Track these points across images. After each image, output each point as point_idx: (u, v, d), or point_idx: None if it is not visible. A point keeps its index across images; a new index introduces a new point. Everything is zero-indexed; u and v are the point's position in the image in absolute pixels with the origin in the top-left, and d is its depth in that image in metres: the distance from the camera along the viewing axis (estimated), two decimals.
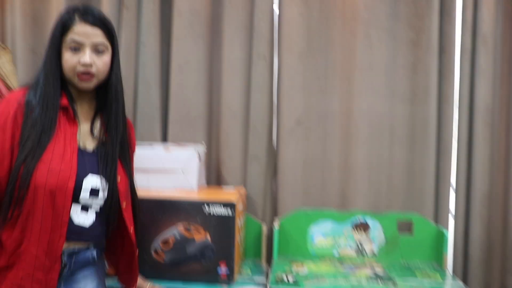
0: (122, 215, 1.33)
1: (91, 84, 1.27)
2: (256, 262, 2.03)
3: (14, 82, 1.91)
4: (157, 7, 2.16)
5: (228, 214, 1.71)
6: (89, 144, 1.31)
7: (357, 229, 2.07)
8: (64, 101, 1.27)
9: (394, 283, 1.73)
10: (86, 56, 1.24)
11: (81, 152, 1.27)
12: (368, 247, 2.06)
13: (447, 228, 2.09)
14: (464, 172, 2.11)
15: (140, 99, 2.18)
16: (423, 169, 2.12)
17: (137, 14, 2.16)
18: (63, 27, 1.25)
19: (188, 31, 2.16)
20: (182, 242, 1.72)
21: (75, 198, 1.23)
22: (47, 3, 2.22)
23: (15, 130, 1.20)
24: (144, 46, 2.15)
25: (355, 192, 2.14)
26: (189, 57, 2.17)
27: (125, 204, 1.33)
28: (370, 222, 2.06)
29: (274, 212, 2.20)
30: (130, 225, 1.36)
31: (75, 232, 1.25)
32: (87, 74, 1.25)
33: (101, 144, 1.31)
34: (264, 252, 2.06)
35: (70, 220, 1.24)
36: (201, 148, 2.03)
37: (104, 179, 1.28)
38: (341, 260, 2.04)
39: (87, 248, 1.31)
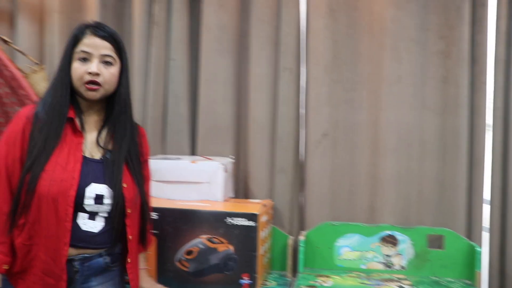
0: (124, 222, 1.36)
1: (97, 94, 1.32)
2: (282, 275, 2.03)
3: None
4: (186, 23, 2.23)
5: (251, 225, 1.72)
6: (96, 153, 1.35)
7: (385, 243, 2.03)
8: (71, 113, 1.32)
9: None
10: (93, 65, 1.29)
11: (87, 161, 1.32)
12: (396, 261, 2.02)
13: (480, 244, 2.02)
14: (498, 185, 2.04)
15: (170, 112, 2.24)
16: (455, 182, 2.06)
17: (166, 30, 2.23)
18: (75, 39, 1.31)
19: (216, 45, 2.21)
20: (206, 252, 1.74)
21: (80, 206, 1.28)
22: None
23: (23, 144, 1.27)
24: (173, 61, 2.22)
25: (384, 205, 2.10)
26: (217, 71, 2.21)
27: (130, 211, 1.36)
28: (398, 236, 2.02)
29: (301, 225, 2.19)
30: (130, 232, 1.38)
31: (84, 239, 1.30)
32: (93, 84, 1.30)
33: (107, 153, 1.35)
34: (289, 264, 2.05)
35: (78, 227, 1.28)
36: (228, 161, 2.06)
37: (109, 187, 1.31)
38: (368, 273, 2.00)
39: (99, 255, 1.34)
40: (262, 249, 1.80)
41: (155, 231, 1.75)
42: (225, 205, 1.89)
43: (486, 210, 2.06)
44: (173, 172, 1.96)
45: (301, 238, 2.01)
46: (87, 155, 1.33)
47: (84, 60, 1.30)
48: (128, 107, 1.39)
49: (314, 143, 2.15)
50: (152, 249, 1.75)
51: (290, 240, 2.06)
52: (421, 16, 2.10)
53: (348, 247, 2.05)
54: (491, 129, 2.05)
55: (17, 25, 2.38)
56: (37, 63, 2.04)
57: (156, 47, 2.22)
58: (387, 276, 1.98)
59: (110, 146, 1.36)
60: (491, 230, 2.05)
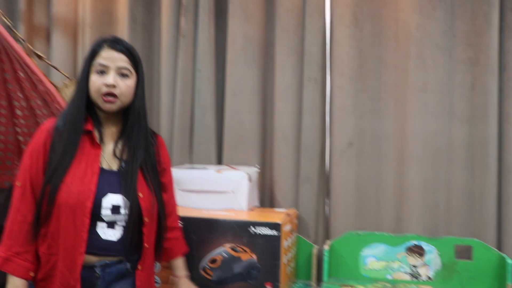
0: (142, 230, 1.40)
1: (114, 105, 1.36)
2: (306, 284, 2.03)
3: None
4: (212, 35, 2.27)
5: (274, 234, 1.74)
6: (113, 164, 1.40)
7: (411, 253, 2.00)
8: (89, 126, 1.37)
9: None
10: (110, 77, 1.34)
11: (104, 172, 1.37)
12: (423, 272, 1.99)
13: (511, 255, 1.97)
14: None
15: (196, 123, 2.29)
16: (484, 191, 2.02)
17: (193, 42, 2.29)
18: (93, 53, 1.37)
19: (242, 56, 2.24)
20: (229, 261, 1.77)
21: (98, 216, 1.32)
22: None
23: (45, 156, 1.33)
24: (200, 72, 2.27)
25: (410, 215, 2.08)
26: (242, 81, 2.25)
27: (148, 220, 1.40)
28: (425, 246, 1.99)
29: (327, 234, 2.19)
30: (146, 241, 1.41)
31: (104, 247, 1.34)
32: (110, 96, 1.34)
33: (123, 164, 1.40)
34: (314, 274, 2.06)
35: (98, 236, 1.33)
36: (253, 170, 2.08)
37: (124, 197, 1.36)
38: (394, 284, 1.98)
39: (119, 261, 1.38)
40: (285, 258, 1.81)
41: None
42: (249, 214, 1.91)
43: None
44: (199, 182, 2.00)
45: (326, 247, 2.01)
46: (105, 166, 1.38)
47: (102, 72, 1.35)
48: (142, 118, 1.43)
49: (339, 153, 2.15)
50: None
51: (315, 249, 2.06)
52: (448, 23, 2.08)
53: (373, 257, 2.03)
54: None
55: (53, 40, 2.49)
56: (68, 77, 2.12)
57: (183, 59, 2.28)
58: (413, 287, 1.95)
59: (125, 157, 1.40)
60: None
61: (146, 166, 1.42)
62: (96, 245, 1.32)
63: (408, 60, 2.09)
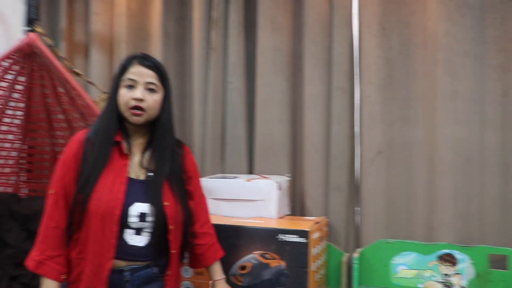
0: (167, 237, 1.45)
1: (141, 118, 1.43)
2: None
3: None
4: (242, 47, 2.34)
5: (302, 242, 1.76)
6: (141, 174, 1.46)
7: (443, 262, 1.98)
8: (118, 137, 1.44)
9: None
10: (138, 91, 1.41)
11: (132, 181, 1.43)
12: (456, 281, 1.96)
13: None
14: None
15: (228, 133, 2.35)
16: None
17: (223, 55, 2.36)
18: (122, 69, 1.44)
19: (271, 67, 2.29)
20: (259, 267, 1.80)
21: (125, 224, 1.39)
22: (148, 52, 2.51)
23: (77, 166, 1.41)
24: (230, 83, 2.33)
25: (442, 224, 2.05)
26: (272, 92, 2.29)
27: (173, 227, 1.44)
28: (457, 255, 1.96)
29: (357, 242, 2.20)
30: (173, 247, 1.46)
31: (132, 253, 1.40)
32: (138, 109, 1.41)
33: (150, 173, 1.45)
34: (344, 282, 2.06)
35: (126, 242, 1.39)
36: (284, 179, 2.12)
37: (151, 205, 1.41)
38: None
39: (147, 266, 1.43)
40: (314, 265, 1.83)
41: None
42: (277, 222, 1.94)
43: None
44: (230, 191, 2.04)
45: (355, 255, 2.02)
46: (133, 175, 1.45)
47: (130, 87, 1.42)
48: (168, 131, 1.49)
49: (369, 161, 2.15)
50: None
51: (345, 257, 2.07)
52: (477, 29, 2.06)
53: (404, 265, 2.02)
54: None
55: (91, 56, 2.61)
56: (104, 92, 2.22)
57: (214, 71, 2.35)
58: None
59: (152, 167, 1.46)
60: None
61: (171, 176, 1.47)
62: (124, 250, 1.38)
63: (436, 67, 2.08)
